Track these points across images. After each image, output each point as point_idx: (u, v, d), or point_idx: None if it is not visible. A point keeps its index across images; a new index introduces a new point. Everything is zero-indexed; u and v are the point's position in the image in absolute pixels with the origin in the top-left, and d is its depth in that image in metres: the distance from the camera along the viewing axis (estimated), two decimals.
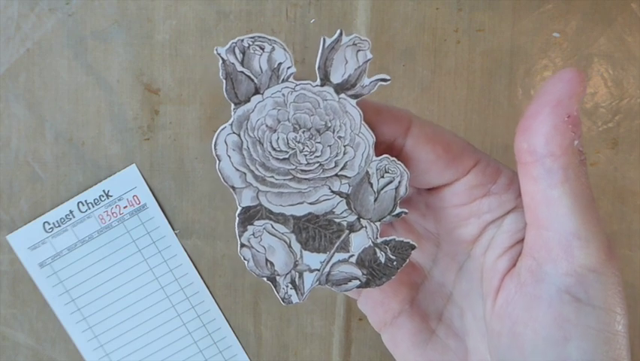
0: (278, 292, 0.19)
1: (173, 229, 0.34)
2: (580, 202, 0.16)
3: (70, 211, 0.34)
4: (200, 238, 0.34)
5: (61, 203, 0.34)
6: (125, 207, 0.34)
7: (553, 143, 0.16)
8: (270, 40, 0.17)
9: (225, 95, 0.18)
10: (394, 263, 0.19)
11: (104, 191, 0.34)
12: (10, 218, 0.34)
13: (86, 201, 0.34)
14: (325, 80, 0.18)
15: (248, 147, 0.18)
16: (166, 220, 0.34)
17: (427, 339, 0.20)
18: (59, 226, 0.34)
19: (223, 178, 0.18)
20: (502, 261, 0.18)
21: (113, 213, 0.34)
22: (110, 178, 0.34)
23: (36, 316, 0.35)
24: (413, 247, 0.19)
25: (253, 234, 0.19)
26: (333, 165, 0.18)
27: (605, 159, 0.33)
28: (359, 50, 0.18)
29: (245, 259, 0.19)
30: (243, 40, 0.17)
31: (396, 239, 0.19)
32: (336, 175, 0.18)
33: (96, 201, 0.34)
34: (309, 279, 0.19)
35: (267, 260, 0.19)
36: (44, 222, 0.34)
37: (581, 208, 0.16)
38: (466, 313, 0.20)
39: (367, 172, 0.18)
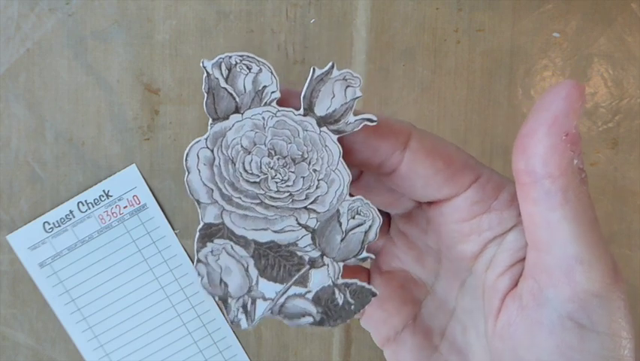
0: (227, 314, 0.19)
1: (173, 229, 0.34)
2: (581, 225, 0.16)
3: (70, 211, 0.34)
4: None
5: (61, 203, 0.34)
6: (125, 207, 0.34)
7: (551, 164, 0.16)
8: (258, 61, 0.17)
9: (205, 109, 0.17)
10: (352, 307, 0.19)
11: (104, 191, 0.34)
12: (10, 218, 0.34)
13: (86, 201, 0.34)
14: (309, 110, 0.17)
15: (219, 164, 0.18)
16: (166, 220, 0.34)
17: (430, 355, 0.20)
18: (59, 225, 0.34)
19: (190, 191, 0.18)
20: (503, 280, 0.18)
21: (113, 213, 0.34)
22: (110, 178, 0.34)
23: (36, 316, 0.35)
24: (374, 295, 0.19)
25: (212, 251, 0.18)
26: (303, 197, 0.18)
27: (605, 159, 0.33)
28: (348, 86, 0.17)
29: (199, 274, 0.18)
30: (231, 57, 0.17)
31: (358, 283, 0.19)
32: (306, 208, 0.18)
33: (96, 201, 0.34)
34: (261, 307, 0.19)
35: (221, 280, 0.18)
36: (44, 222, 0.34)
37: (582, 231, 0.16)
38: (469, 330, 0.20)
39: (338, 210, 0.18)
